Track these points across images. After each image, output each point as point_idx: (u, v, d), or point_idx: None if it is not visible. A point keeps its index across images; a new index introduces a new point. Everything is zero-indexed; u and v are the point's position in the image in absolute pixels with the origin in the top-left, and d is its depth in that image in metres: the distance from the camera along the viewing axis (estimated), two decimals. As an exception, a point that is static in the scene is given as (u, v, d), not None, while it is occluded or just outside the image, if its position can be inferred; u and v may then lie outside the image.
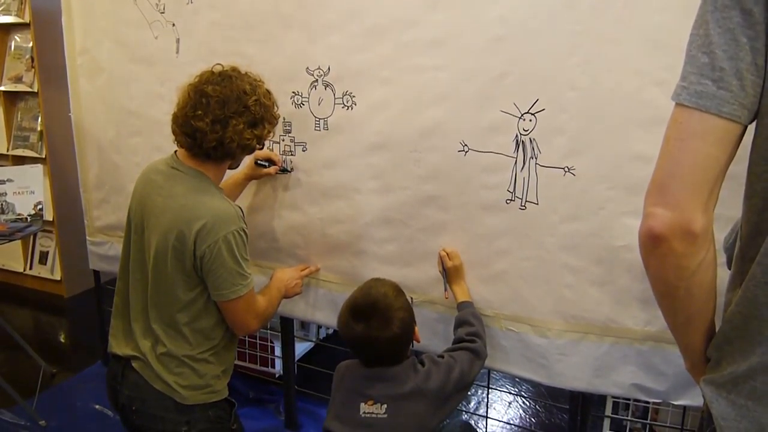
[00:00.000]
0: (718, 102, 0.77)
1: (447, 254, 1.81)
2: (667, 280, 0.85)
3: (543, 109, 1.62)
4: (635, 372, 1.69)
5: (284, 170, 2.05)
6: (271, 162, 2.03)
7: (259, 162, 2.02)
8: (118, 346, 1.70)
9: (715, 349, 0.90)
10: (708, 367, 0.92)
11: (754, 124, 0.82)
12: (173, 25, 2.19)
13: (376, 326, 1.46)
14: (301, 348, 2.81)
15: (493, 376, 2.81)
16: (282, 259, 2.13)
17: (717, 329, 0.92)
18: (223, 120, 1.56)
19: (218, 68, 1.64)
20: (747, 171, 0.85)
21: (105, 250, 2.63)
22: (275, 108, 1.69)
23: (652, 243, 0.82)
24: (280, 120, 1.97)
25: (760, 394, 0.81)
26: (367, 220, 1.94)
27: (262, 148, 1.74)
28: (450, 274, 1.82)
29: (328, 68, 1.90)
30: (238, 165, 1.78)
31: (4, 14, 3.63)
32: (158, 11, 2.22)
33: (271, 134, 1.71)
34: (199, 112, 1.56)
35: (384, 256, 1.94)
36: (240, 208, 1.62)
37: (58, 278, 3.86)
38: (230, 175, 1.92)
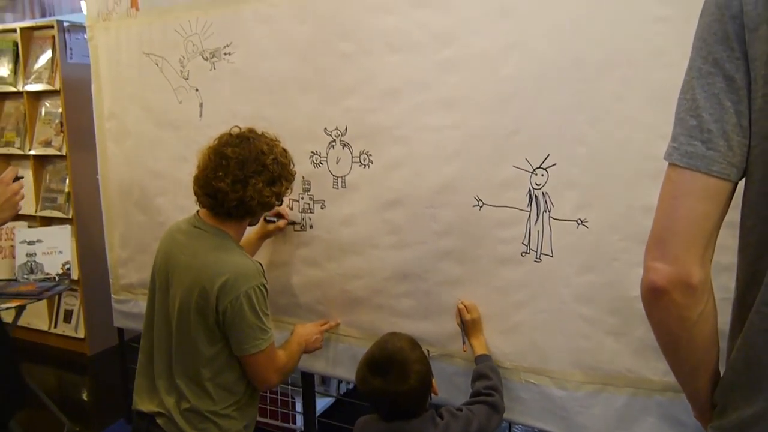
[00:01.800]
0: (707, 161, 0.82)
1: (465, 307, 1.83)
2: (670, 331, 0.88)
3: (554, 164, 1.66)
4: (656, 423, 1.67)
5: (292, 222, 2.11)
6: (279, 217, 2.09)
7: (267, 218, 2.08)
8: (142, 403, 1.72)
9: (720, 396, 0.91)
10: (714, 414, 0.93)
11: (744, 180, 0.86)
12: (197, 90, 2.29)
13: (393, 380, 1.47)
14: (322, 403, 2.81)
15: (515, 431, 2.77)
16: (302, 315, 2.16)
17: (722, 376, 0.93)
18: (243, 180, 1.62)
19: (236, 130, 1.71)
20: (739, 224, 0.88)
21: (129, 307, 2.67)
22: (292, 165, 1.76)
23: (654, 296, 0.85)
24: (300, 178, 2.04)
25: None
26: (384, 275, 1.97)
27: (281, 204, 1.80)
28: (468, 327, 1.83)
29: (346, 128, 1.97)
30: (257, 221, 1.83)
31: (35, 82, 3.80)
32: (182, 77, 2.32)
33: (290, 191, 1.77)
34: (220, 173, 1.62)
35: (402, 311, 1.97)
36: (260, 264, 1.66)
37: (82, 336, 3.91)
38: (244, 237, 1.97)
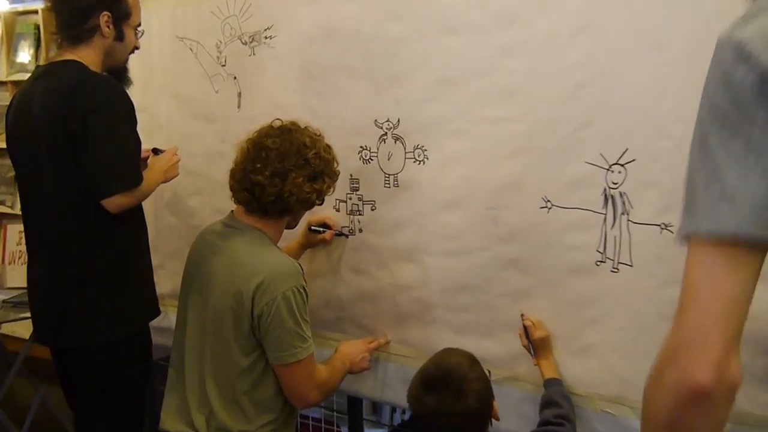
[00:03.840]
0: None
1: (533, 324, 1.91)
2: None
3: (633, 160, 1.74)
4: (755, 461, 1.72)
5: (340, 234, 2.25)
6: (326, 227, 2.23)
7: (313, 228, 2.23)
8: (170, 423, 1.90)
9: None
10: None
11: None
12: (234, 78, 2.47)
13: (448, 398, 1.57)
14: (372, 435, 2.92)
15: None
16: (347, 330, 2.30)
17: None
18: (283, 173, 1.80)
19: (278, 123, 1.90)
20: None
21: (158, 321, 2.82)
22: (335, 163, 1.93)
23: (693, 401, 0.87)
24: (347, 176, 2.19)
25: None
26: (441, 285, 2.09)
27: (321, 204, 1.96)
28: (536, 346, 1.91)
29: (398, 120, 2.11)
30: (297, 224, 2.00)
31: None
32: (219, 64, 2.51)
33: (331, 190, 1.93)
34: (258, 165, 1.80)
35: (460, 326, 2.08)
36: (300, 265, 1.82)
37: (107, 355, 4.13)
38: (283, 246, 2.10)
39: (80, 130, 2.00)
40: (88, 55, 2.14)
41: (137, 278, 2.28)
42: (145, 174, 2.21)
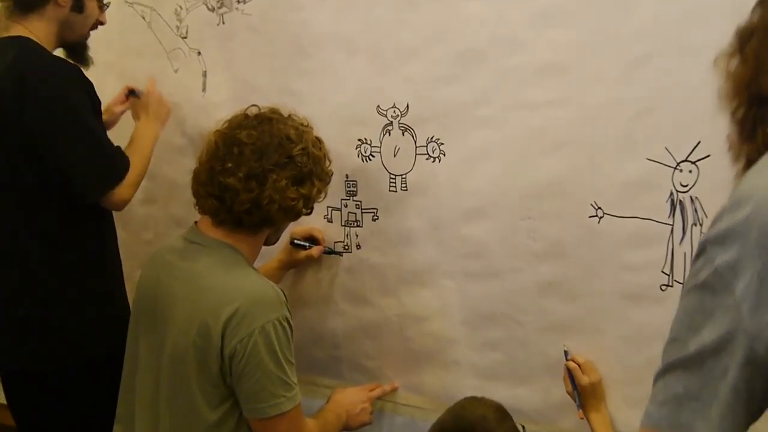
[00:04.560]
0: None
1: (579, 366, 1.89)
2: None
3: (707, 156, 1.71)
4: None
5: (331, 251, 2.23)
6: (312, 241, 2.21)
7: (296, 242, 2.20)
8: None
9: None
10: None
11: None
12: (199, 53, 2.45)
13: None
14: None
15: None
16: (344, 374, 2.28)
17: None
18: (261, 175, 1.76)
19: (254, 110, 1.86)
20: None
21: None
22: (327, 162, 1.89)
23: None
24: (342, 178, 2.17)
25: None
26: (462, 316, 2.07)
27: (310, 213, 1.93)
28: (584, 395, 1.89)
29: (407, 106, 2.08)
30: (278, 239, 1.96)
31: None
32: (179, 36, 2.48)
33: (322, 195, 1.90)
34: (230, 164, 1.77)
35: (487, 369, 2.06)
36: (283, 291, 1.79)
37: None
38: (258, 266, 2.06)
39: (38, 125, 2.05)
40: (40, 29, 2.18)
41: (110, 286, 2.33)
42: (135, 138, 2.31)
